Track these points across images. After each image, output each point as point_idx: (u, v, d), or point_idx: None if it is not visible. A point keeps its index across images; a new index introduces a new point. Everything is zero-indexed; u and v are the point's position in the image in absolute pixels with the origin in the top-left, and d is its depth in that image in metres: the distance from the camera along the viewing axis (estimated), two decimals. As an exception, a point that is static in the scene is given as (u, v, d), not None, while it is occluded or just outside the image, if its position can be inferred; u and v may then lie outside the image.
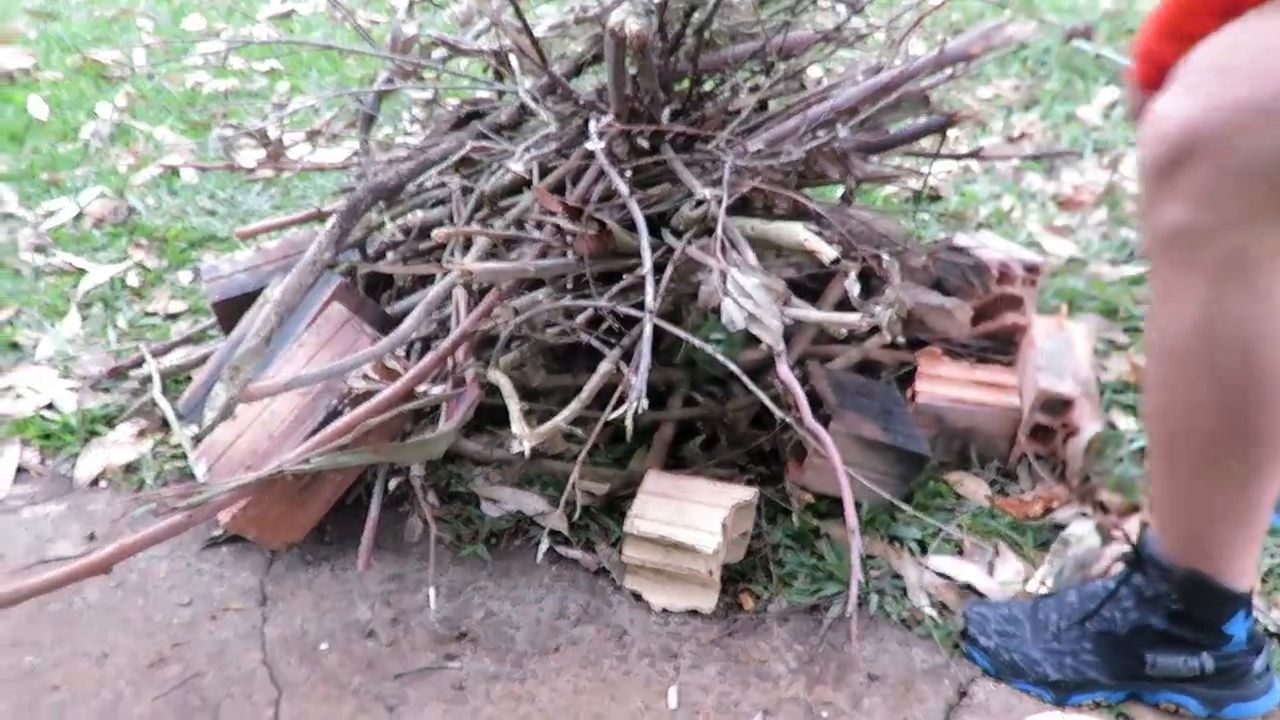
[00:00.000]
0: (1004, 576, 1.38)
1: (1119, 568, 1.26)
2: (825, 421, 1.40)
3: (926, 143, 1.73)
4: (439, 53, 1.81)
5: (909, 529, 1.44)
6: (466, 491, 1.53)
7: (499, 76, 1.82)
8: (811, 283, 1.69)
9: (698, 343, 1.20)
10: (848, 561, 1.34)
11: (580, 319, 1.36)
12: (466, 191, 1.55)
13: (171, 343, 1.89)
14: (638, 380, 1.06)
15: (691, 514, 1.31)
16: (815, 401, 1.44)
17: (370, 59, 3.24)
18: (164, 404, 1.39)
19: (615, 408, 1.09)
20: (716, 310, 1.16)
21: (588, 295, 1.34)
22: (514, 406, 1.26)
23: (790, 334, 1.60)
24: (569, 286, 1.41)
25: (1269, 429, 0.90)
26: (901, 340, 1.66)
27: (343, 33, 3.75)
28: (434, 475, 1.55)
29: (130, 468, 1.61)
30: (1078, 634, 1.14)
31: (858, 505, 1.44)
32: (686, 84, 1.52)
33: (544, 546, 1.36)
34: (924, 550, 1.41)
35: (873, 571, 1.37)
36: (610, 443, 1.59)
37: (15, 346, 1.93)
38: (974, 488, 1.53)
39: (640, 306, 1.20)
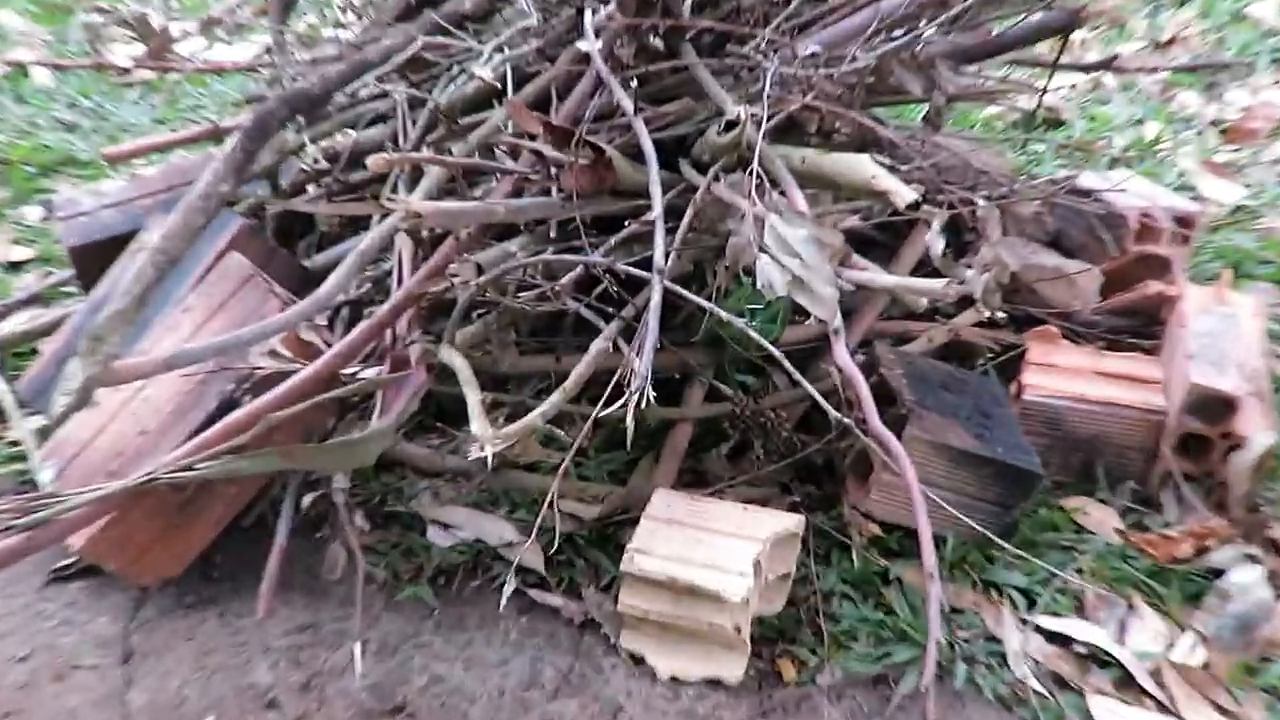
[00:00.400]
0: (1140, 641, 1.36)
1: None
2: (898, 425, 1.38)
3: (1043, 48, 1.70)
4: (381, -86, 1.82)
5: (1010, 574, 1.43)
6: (407, 512, 1.53)
7: (462, -53, 1.79)
8: (881, 236, 1.67)
9: (725, 315, 1.19)
10: (925, 617, 1.33)
11: (566, 280, 1.34)
12: (416, 104, 1.54)
13: (12, 302, 1.87)
14: (642, 364, 1.06)
15: (713, 548, 1.30)
16: (885, 398, 1.42)
17: (290, -77, 3.20)
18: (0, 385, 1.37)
19: (611, 402, 1.08)
20: (751, 271, 1.17)
21: (578, 249, 1.33)
22: (474, 397, 1.25)
23: (851, 305, 1.59)
24: (552, 236, 1.39)
25: None
26: (1003, 316, 1.64)
27: (253, -113, 3.71)
28: (364, 490, 1.55)
29: (-48, 471, 1.60)
30: None
31: (940, 540, 1.43)
32: (717, -38, 1.52)
33: (510, 589, 1.35)
34: (1031, 604, 1.40)
35: (960, 631, 1.37)
36: (604, 449, 1.58)
37: None
38: (1101, 518, 1.52)
39: (647, 265, 1.19)
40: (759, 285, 1.15)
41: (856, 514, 1.49)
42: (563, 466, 1.25)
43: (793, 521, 1.37)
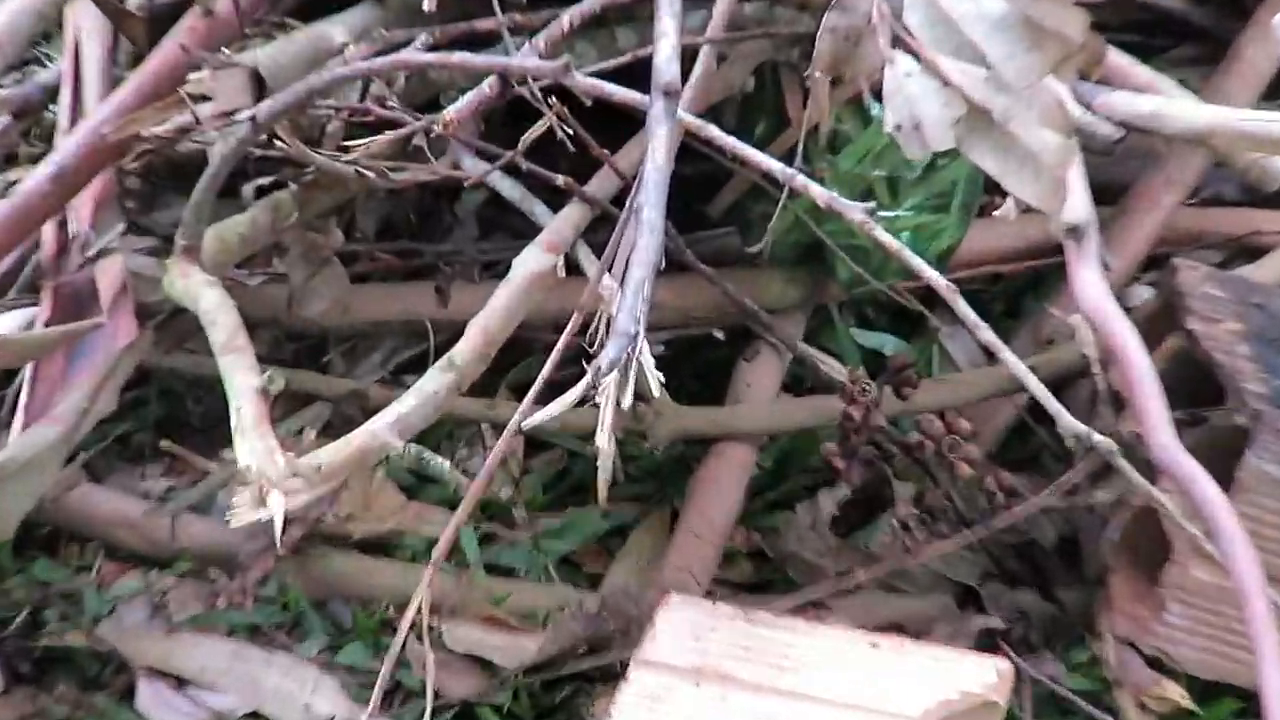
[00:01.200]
0: None
1: None
2: (1226, 450, 1.06)
3: None
4: None
5: None
6: (90, 650, 1.17)
7: None
8: (1191, 12, 1.35)
9: (825, 197, 0.83)
10: None
11: (457, 111, 0.96)
12: None
13: None
14: (626, 305, 0.74)
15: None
16: (1198, 385, 1.09)
17: None
18: None
19: (555, 394, 0.79)
20: (880, 95, 0.83)
21: (487, 40, 1.07)
22: (243, 380, 0.93)
23: (1117, 177, 1.25)
24: (428, 9, 1.03)
25: None
26: None
27: None
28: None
29: None
30: None
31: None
32: None
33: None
34: None
35: None
36: (548, 502, 1.24)
37: None
38: None
39: (642, 76, 0.87)
40: (891, 128, 0.79)
41: (1130, 656, 1.12)
42: (446, 538, 0.87)
43: (985, 675, 0.96)
